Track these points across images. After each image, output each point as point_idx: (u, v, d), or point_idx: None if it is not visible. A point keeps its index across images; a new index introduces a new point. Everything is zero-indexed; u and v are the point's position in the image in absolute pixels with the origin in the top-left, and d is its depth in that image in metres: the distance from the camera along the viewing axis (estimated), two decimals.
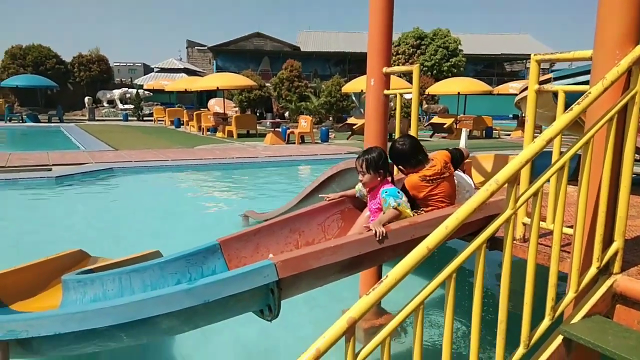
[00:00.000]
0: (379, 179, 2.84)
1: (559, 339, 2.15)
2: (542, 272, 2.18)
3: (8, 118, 26.81)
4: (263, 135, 19.31)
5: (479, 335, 1.90)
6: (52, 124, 26.42)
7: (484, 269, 1.88)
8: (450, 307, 1.80)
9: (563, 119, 2.01)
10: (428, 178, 2.80)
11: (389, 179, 2.91)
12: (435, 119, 22.10)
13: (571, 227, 2.39)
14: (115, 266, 3.42)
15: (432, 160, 2.91)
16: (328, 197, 3.17)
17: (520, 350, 2.05)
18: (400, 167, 2.99)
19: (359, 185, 3.02)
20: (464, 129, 15.47)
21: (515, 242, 2.85)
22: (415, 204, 2.85)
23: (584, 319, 2.20)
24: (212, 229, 6.87)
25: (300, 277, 2.24)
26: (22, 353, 2.18)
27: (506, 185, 1.86)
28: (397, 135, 3.69)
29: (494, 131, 22.24)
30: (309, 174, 12.54)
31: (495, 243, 2.72)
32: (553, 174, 2.04)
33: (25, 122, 26.96)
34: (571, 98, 2.54)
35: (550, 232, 2.72)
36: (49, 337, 2.00)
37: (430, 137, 21.13)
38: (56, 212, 7.62)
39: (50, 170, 10.43)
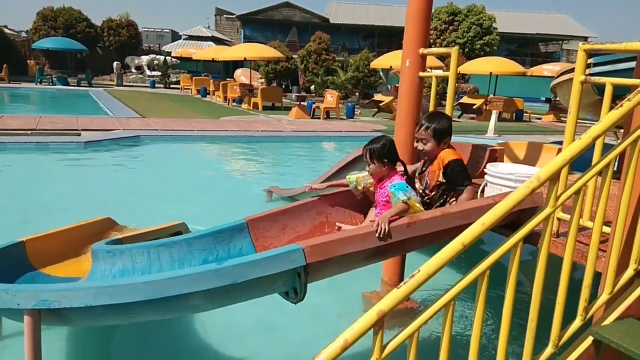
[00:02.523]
0: (384, 168, 2.74)
1: (589, 340, 2.10)
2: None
3: (39, 80, 27.25)
4: (288, 109, 19.25)
5: (508, 333, 1.86)
6: (81, 88, 26.78)
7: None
8: (481, 305, 1.76)
9: (611, 116, 1.91)
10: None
11: (400, 171, 2.80)
12: (465, 99, 21.65)
13: (608, 224, 2.31)
14: (142, 236, 3.47)
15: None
16: (313, 187, 3.05)
17: (549, 350, 2.01)
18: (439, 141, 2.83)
19: (352, 177, 2.90)
20: (494, 111, 15.22)
21: None
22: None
23: (617, 321, 2.14)
24: (236, 202, 6.93)
25: (327, 262, 2.22)
26: (53, 321, 2.24)
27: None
28: None
29: (524, 114, 21.73)
30: (334, 151, 12.49)
31: (527, 237, 2.65)
32: (597, 172, 1.95)
33: (55, 84, 27.37)
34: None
35: (585, 229, 2.65)
36: (79, 308, 2.05)
37: (459, 117, 20.76)
38: (84, 178, 7.77)
39: (79, 135, 10.62)
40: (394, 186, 2.61)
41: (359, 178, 2.89)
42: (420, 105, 3.55)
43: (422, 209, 2.56)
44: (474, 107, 20.65)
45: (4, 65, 26.94)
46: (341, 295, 4.12)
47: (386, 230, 2.30)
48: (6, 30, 36.74)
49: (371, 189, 2.86)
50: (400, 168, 2.81)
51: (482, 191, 3.10)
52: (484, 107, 20.62)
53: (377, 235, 2.29)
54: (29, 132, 10.55)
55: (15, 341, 3.13)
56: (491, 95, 22.21)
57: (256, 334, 3.54)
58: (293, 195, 6.31)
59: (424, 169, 2.95)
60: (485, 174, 3.13)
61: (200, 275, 2.00)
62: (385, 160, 2.71)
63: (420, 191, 2.91)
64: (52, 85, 27.19)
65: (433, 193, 2.86)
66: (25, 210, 5.94)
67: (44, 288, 2.19)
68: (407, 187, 2.62)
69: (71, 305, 1.99)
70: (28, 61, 33.34)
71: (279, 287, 2.28)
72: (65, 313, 2.12)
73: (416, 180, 3.01)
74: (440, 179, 2.80)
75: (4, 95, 22.04)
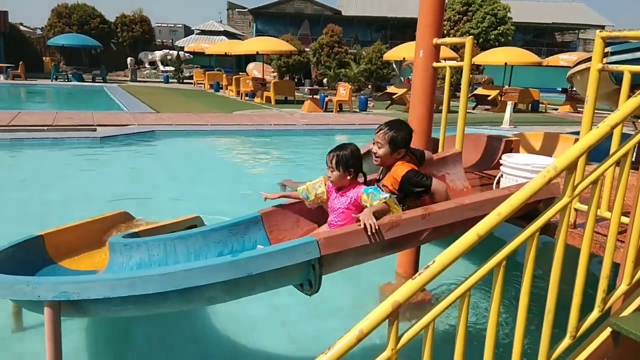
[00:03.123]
0: (348, 177, 2.60)
1: (607, 332, 2.07)
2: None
3: (54, 77, 27.58)
4: (301, 102, 19.25)
5: (525, 325, 1.85)
6: (96, 84, 27.04)
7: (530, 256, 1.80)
8: (497, 296, 1.75)
9: (630, 104, 1.88)
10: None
11: (361, 180, 2.70)
12: (479, 90, 21.42)
13: (626, 214, 2.27)
14: (158, 230, 3.51)
15: None
16: (266, 196, 2.89)
17: (567, 341, 2.00)
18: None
19: (302, 187, 2.80)
20: (509, 102, 15.04)
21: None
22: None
23: (635, 312, 2.11)
24: (250, 195, 6.95)
25: (342, 254, 2.23)
26: (72, 313, 2.28)
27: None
28: (444, 109, 3.56)
29: (540, 105, 21.44)
30: None
31: (544, 228, 2.61)
32: (615, 162, 1.92)
33: (71, 81, 27.68)
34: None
35: (603, 219, 2.61)
36: (98, 300, 2.08)
37: (473, 109, 20.56)
38: (100, 173, 7.87)
39: (95, 130, 10.75)
40: (369, 189, 2.52)
41: (309, 187, 2.78)
42: (434, 97, 3.52)
43: (400, 209, 2.46)
44: (489, 98, 20.43)
45: (20, 63, 27.28)
46: (355, 288, 4.13)
47: (375, 225, 2.22)
48: (22, 28, 37.24)
49: (323, 196, 2.76)
50: (360, 179, 2.72)
51: (498, 182, 3.08)
52: (499, 98, 20.39)
53: (368, 233, 2.21)
54: (45, 127, 10.71)
55: (36, 332, 3.21)
56: (506, 86, 21.95)
57: (270, 325, 3.57)
58: None
59: (380, 177, 2.87)
60: (501, 165, 3.10)
61: (216, 267, 2.02)
62: (351, 170, 2.60)
63: None
64: (68, 81, 27.49)
65: None
66: (42, 204, 6.04)
67: (63, 280, 2.23)
68: (380, 191, 2.54)
69: (90, 297, 2.03)
70: (44, 58, 33.77)
71: (294, 279, 2.29)
72: (84, 304, 2.16)
73: None
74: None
75: (20, 92, 22.36)
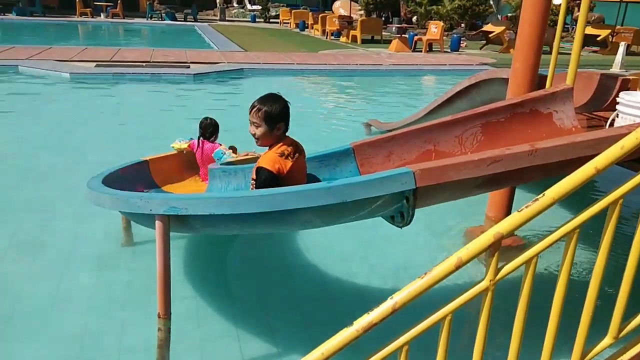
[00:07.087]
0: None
1: None
2: None
3: (149, 15, 28.72)
4: (388, 42, 18.61)
5: (633, 275, 1.72)
6: (188, 23, 27.84)
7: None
8: (609, 237, 1.64)
9: None
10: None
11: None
12: (588, 30, 19.38)
13: None
14: (250, 160, 3.65)
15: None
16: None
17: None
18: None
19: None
20: (622, 43, 13.52)
21: None
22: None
23: None
24: (334, 135, 6.99)
25: (438, 187, 2.17)
26: (179, 228, 2.47)
27: None
28: (557, 38, 3.24)
29: None
30: (436, 86, 11.99)
31: None
32: None
33: (164, 19, 28.70)
34: None
35: None
36: (203, 216, 2.22)
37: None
38: (194, 107, 8.23)
39: (188, 67, 11.18)
40: None
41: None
42: (545, 28, 3.22)
43: None
44: (598, 38, 18.47)
45: (119, 2, 28.59)
46: (442, 229, 4.09)
47: None
48: None
49: None
50: None
51: (612, 123, 2.82)
52: (610, 38, 18.37)
53: None
54: (144, 64, 11.30)
55: (143, 249, 3.53)
56: (619, 26, 19.68)
57: (356, 258, 3.66)
58: (392, 129, 6.22)
59: None
60: (617, 104, 2.82)
61: (312, 192, 2.06)
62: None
63: None
64: (162, 20, 28.54)
65: None
66: (141, 133, 6.49)
67: (173, 197, 2.41)
68: None
69: (196, 213, 2.17)
70: None
71: (386, 210, 2.28)
72: (190, 220, 2.32)
73: None
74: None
75: (119, 29, 23.63)
